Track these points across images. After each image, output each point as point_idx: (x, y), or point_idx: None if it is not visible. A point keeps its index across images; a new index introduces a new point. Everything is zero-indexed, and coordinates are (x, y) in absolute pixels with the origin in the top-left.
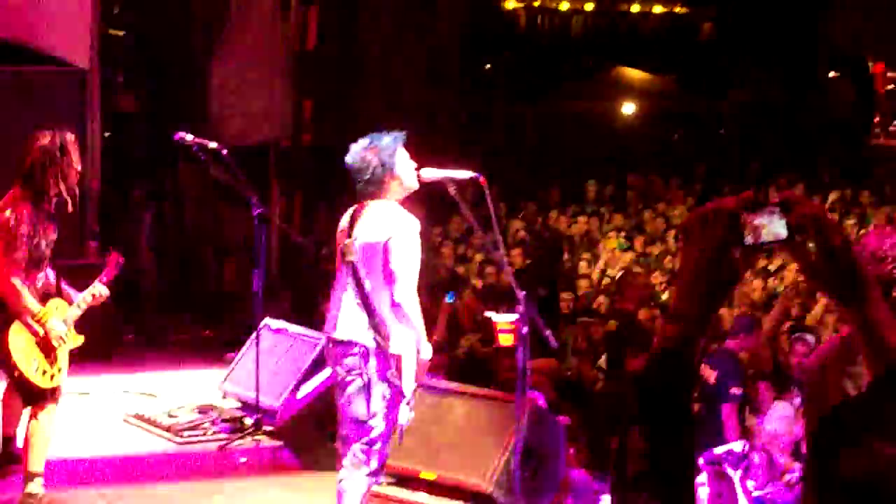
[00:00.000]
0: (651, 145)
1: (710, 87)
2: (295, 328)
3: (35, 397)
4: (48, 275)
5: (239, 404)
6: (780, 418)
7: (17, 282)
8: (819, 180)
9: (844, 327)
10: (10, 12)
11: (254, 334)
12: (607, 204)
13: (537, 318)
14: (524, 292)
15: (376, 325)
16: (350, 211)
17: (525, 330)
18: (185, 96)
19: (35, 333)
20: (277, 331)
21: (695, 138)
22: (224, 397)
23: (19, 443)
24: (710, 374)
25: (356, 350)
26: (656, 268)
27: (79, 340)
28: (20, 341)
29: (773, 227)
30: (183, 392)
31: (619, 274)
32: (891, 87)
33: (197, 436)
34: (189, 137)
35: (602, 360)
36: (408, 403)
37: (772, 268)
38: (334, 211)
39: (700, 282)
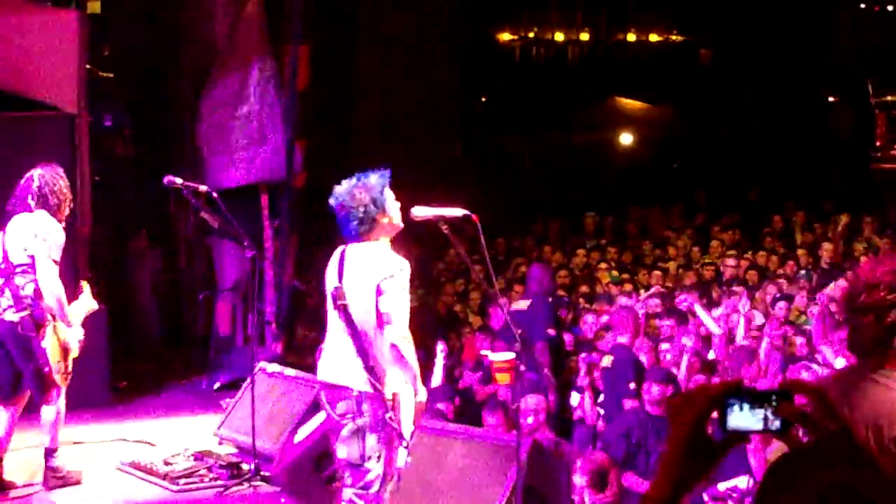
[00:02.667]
0: (650, 175)
1: (709, 115)
2: (290, 372)
3: (49, 390)
4: None
5: (236, 450)
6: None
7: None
8: (820, 206)
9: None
10: None
11: (249, 379)
12: (607, 236)
13: (538, 355)
14: (526, 333)
15: (371, 368)
16: (338, 253)
17: (522, 368)
18: (175, 139)
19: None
20: (272, 375)
21: (695, 166)
22: (220, 443)
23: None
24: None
25: (350, 394)
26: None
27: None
28: (50, 343)
29: (760, 415)
30: (179, 439)
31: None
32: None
33: (194, 483)
34: (179, 181)
35: (601, 396)
36: (406, 447)
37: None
38: (329, 251)
39: (677, 463)
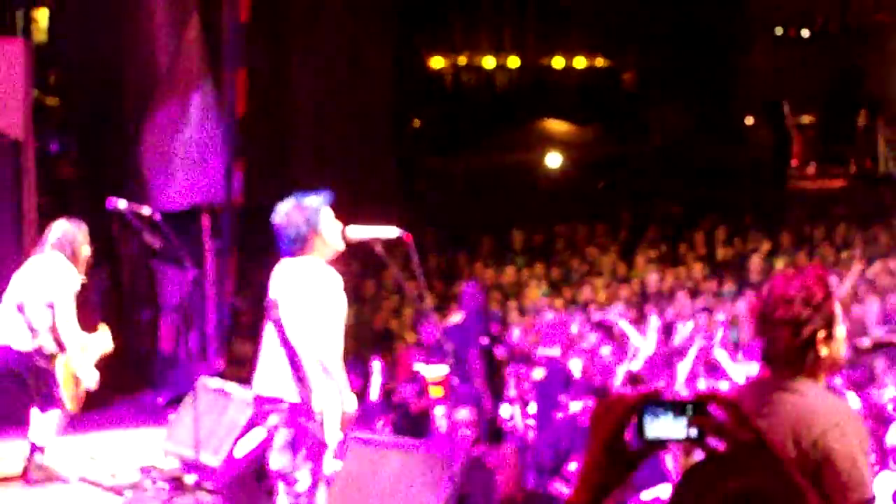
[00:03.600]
0: (577, 194)
1: (633, 136)
2: (231, 386)
3: (53, 406)
4: None
5: (179, 463)
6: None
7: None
8: (741, 222)
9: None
10: None
11: (191, 393)
12: (535, 253)
13: (470, 369)
14: (454, 345)
15: (300, 379)
16: (277, 268)
17: (455, 382)
18: (120, 162)
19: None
20: (215, 390)
21: (620, 185)
22: (165, 456)
23: None
24: None
25: (281, 406)
26: (583, 313)
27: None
28: (62, 374)
29: (678, 425)
30: (124, 452)
31: (545, 322)
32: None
33: (139, 495)
34: (122, 204)
35: (532, 407)
36: (334, 456)
37: None
38: (268, 271)
39: (596, 471)
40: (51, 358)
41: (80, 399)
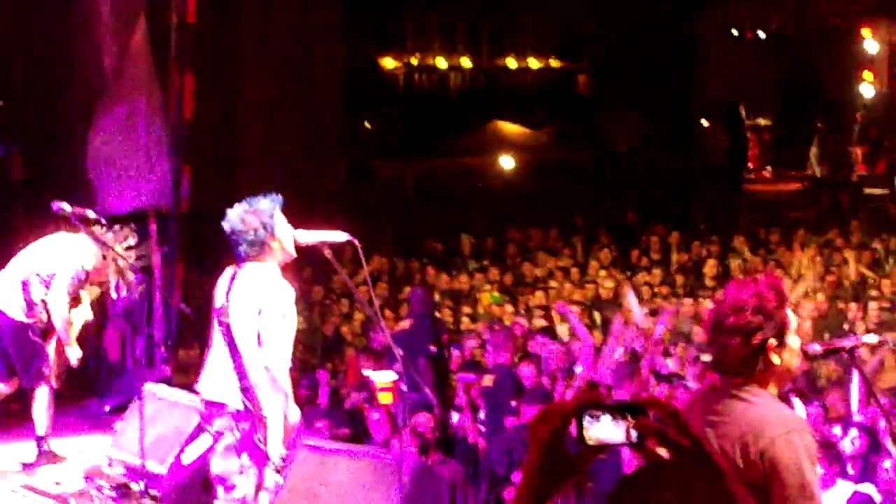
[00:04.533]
0: (530, 197)
1: (587, 138)
2: (178, 393)
3: (41, 383)
4: None
5: (125, 470)
6: None
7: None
8: (695, 227)
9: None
10: None
11: (137, 400)
12: (487, 258)
13: (417, 375)
14: (406, 353)
15: (245, 388)
16: (228, 272)
17: (404, 388)
18: (65, 165)
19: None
20: (161, 397)
21: (573, 189)
22: (110, 464)
23: None
24: None
25: (226, 411)
26: (538, 318)
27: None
28: (52, 352)
29: (618, 429)
30: (69, 460)
31: (494, 328)
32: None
33: (85, 503)
34: (68, 208)
35: (482, 415)
36: (276, 469)
37: None
38: (215, 275)
39: (534, 477)
40: (45, 333)
41: (61, 377)
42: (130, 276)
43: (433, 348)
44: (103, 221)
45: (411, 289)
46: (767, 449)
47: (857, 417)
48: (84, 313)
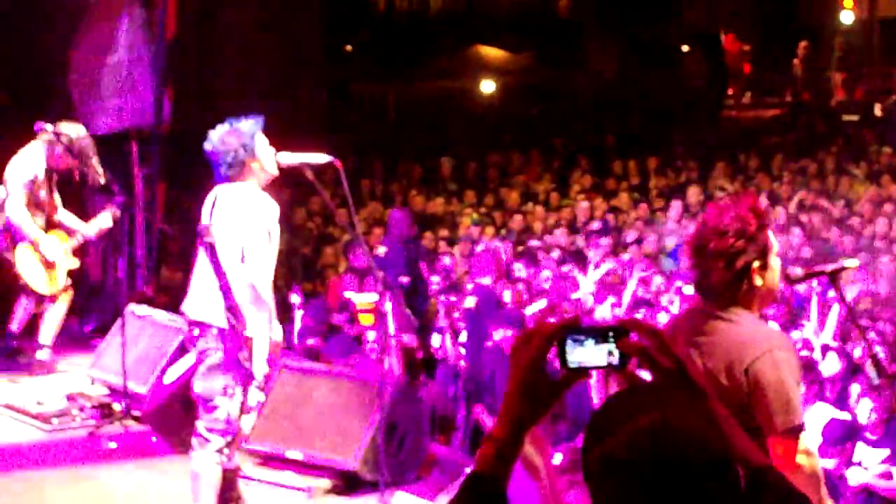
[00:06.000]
0: (511, 122)
1: (568, 63)
2: (160, 314)
3: (43, 297)
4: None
5: (107, 390)
6: None
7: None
8: (673, 153)
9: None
10: None
11: (119, 321)
12: (467, 181)
13: (397, 297)
14: (382, 273)
15: (230, 307)
16: (212, 194)
17: (385, 309)
18: (49, 87)
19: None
20: (142, 317)
21: (553, 114)
22: (92, 384)
23: None
24: None
25: (210, 331)
26: (517, 241)
27: (75, 263)
28: (26, 259)
29: (600, 352)
30: (51, 380)
31: (477, 250)
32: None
33: (66, 423)
34: (49, 127)
35: (463, 336)
36: (259, 386)
37: None
38: (197, 198)
39: (515, 402)
40: (12, 242)
41: (58, 279)
42: (96, 164)
43: (406, 279)
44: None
45: (390, 210)
46: (750, 367)
47: (832, 343)
48: (104, 221)
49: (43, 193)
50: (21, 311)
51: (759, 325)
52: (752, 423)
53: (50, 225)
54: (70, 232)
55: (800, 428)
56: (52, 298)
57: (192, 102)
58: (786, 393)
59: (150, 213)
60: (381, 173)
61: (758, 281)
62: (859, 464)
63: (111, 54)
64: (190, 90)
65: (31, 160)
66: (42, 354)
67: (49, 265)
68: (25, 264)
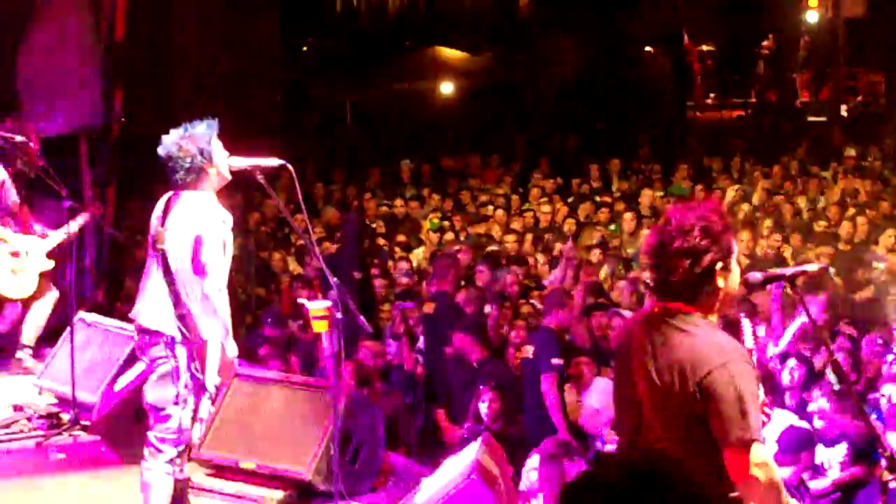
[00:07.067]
0: (470, 124)
1: (529, 65)
2: (109, 321)
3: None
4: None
5: (55, 400)
6: (601, 394)
7: None
8: (635, 155)
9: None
10: None
11: (68, 329)
12: (426, 185)
13: (350, 303)
14: (336, 279)
15: (182, 315)
16: (164, 198)
17: (339, 316)
18: None
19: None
20: (92, 324)
21: (514, 116)
22: (40, 393)
23: None
24: (528, 350)
25: (161, 339)
26: (477, 247)
27: (49, 264)
28: None
29: None
30: None
31: (436, 255)
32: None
33: (13, 434)
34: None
35: (420, 342)
36: (210, 398)
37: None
38: (147, 201)
39: None
40: None
41: (29, 283)
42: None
43: (357, 274)
44: (32, 146)
45: (345, 214)
46: (705, 380)
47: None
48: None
49: (13, 196)
50: (8, 310)
51: (715, 334)
52: (707, 434)
53: (22, 229)
54: (42, 235)
55: (753, 440)
56: (31, 300)
57: (143, 104)
58: (741, 406)
59: (99, 217)
60: (338, 177)
61: (720, 282)
62: (822, 466)
63: (60, 55)
64: (142, 92)
65: None
66: (21, 354)
67: (18, 270)
68: None
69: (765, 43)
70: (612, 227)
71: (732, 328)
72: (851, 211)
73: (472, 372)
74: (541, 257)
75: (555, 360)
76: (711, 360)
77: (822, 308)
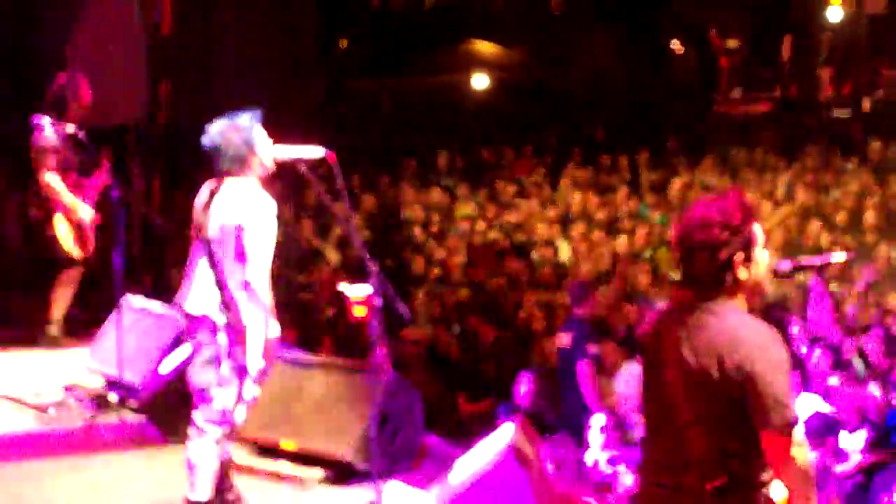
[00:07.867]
0: (503, 117)
1: (561, 59)
2: (156, 305)
3: (66, 263)
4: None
5: (103, 381)
6: (629, 379)
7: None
8: (663, 147)
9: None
10: None
11: (115, 312)
12: (460, 175)
13: (388, 289)
14: (376, 264)
15: (226, 302)
16: (208, 186)
17: (378, 302)
18: (45, 79)
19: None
20: (139, 308)
21: (546, 109)
22: (88, 375)
23: None
24: (564, 338)
25: (206, 324)
26: (511, 236)
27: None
28: (64, 228)
29: None
30: (48, 371)
31: (472, 243)
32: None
33: (63, 413)
34: (46, 122)
35: (456, 327)
36: (254, 380)
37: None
38: (192, 191)
39: None
40: (48, 215)
41: (87, 245)
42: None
43: (391, 262)
44: (81, 135)
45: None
46: (742, 362)
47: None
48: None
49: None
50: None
51: (746, 318)
52: (742, 417)
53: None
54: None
55: (794, 422)
56: (69, 270)
57: (188, 96)
58: (778, 388)
59: (145, 206)
60: (375, 168)
61: (742, 274)
62: (844, 452)
63: (107, 50)
64: (186, 85)
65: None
66: (52, 329)
67: (82, 228)
68: (66, 234)
69: (789, 39)
70: (659, 217)
71: (778, 326)
72: (872, 202)
73: None
74: (566, 246)
75: (592, 349)
76: (748, 342)
77: (872, 275)
